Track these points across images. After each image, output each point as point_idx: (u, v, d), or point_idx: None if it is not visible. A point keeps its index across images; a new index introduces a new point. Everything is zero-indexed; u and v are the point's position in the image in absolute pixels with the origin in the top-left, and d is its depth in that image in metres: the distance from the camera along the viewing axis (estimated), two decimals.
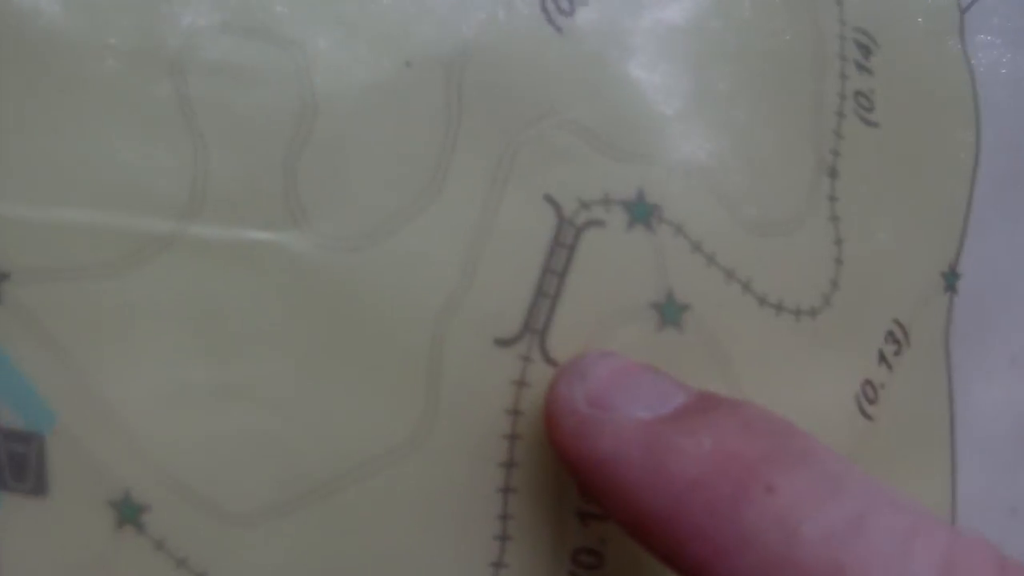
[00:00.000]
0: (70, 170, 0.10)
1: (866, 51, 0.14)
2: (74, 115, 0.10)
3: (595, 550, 0.13)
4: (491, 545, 0.12)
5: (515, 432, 0.12)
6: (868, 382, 0.14)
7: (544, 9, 0.12)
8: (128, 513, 0.11)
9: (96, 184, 0.11)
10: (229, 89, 0.11)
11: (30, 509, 0.11)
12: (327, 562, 0.12)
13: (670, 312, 0.12)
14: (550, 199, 0.12)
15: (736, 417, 0.11)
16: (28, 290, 0.10)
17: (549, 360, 0.12)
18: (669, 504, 0.10)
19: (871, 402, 0.14)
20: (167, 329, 0.11)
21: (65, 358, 0.10)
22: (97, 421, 0.11)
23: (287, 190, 0.11)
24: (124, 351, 0.11)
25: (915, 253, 0.15)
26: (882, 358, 0.14)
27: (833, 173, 0.14)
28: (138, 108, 0.11)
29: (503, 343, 0.12)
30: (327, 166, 0.11)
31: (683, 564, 0.10)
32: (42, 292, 0.10)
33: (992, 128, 0.15)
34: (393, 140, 0.11)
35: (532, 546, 0.12)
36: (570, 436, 0.11)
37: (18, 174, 0.10)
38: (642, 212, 0.12)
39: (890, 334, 0.14)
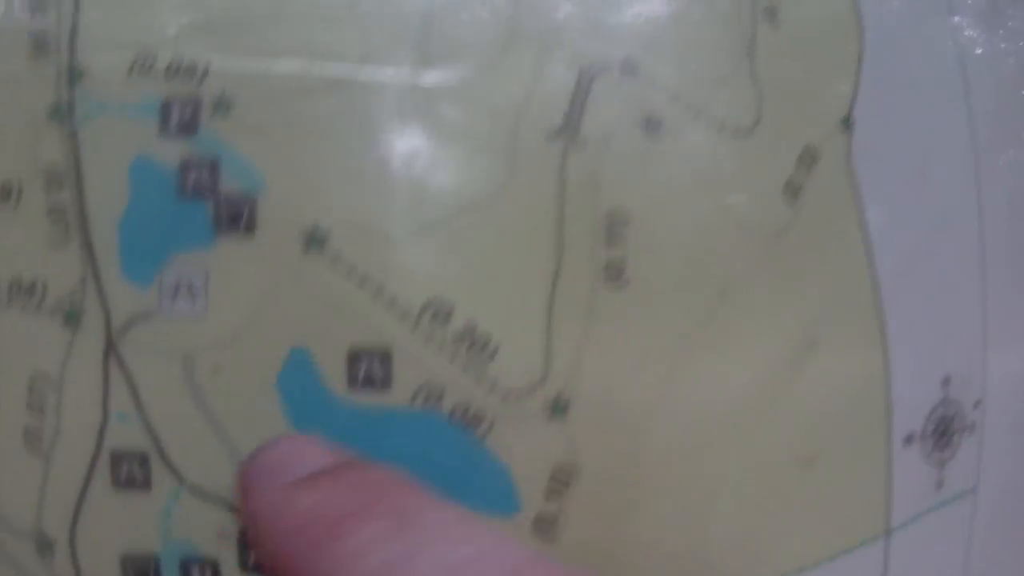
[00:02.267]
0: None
1: None
2: None
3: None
4: None
5: None
6: (789, 182, 0.21)
7: None
8: (314, 239, 0.19)
9: None
10: None
11: (240, 244, 0.18)
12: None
13: None
14: None
15: (348, 480, 0.15)
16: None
17: None
18: (281, 547, 0.14)
19: (795, 195, 0.21)
20: None
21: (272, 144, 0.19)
22: (296, 179, 0.19)
23: None
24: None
25: (818, 100, 0.22)
26: (799, 167, 0.21)
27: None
28: None
29: None
30: None
31: None
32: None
33: None
34: None
35: None
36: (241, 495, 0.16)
37: None
38: None
39: (804, 152, 0.21)
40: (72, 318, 0.19)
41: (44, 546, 0.20)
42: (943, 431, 0.23)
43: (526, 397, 0.19)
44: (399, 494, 0.15)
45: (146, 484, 0.19)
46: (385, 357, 0.19)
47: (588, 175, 0.19)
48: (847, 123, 0.22)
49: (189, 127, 0.18)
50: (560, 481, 0.20)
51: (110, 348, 0.19)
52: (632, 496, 0.20)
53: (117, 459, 0.19)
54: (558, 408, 0.20)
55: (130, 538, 0.20)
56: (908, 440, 0.23)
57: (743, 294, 0.20)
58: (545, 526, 0.20)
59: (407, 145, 0.19)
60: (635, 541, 0.21)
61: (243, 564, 0.20)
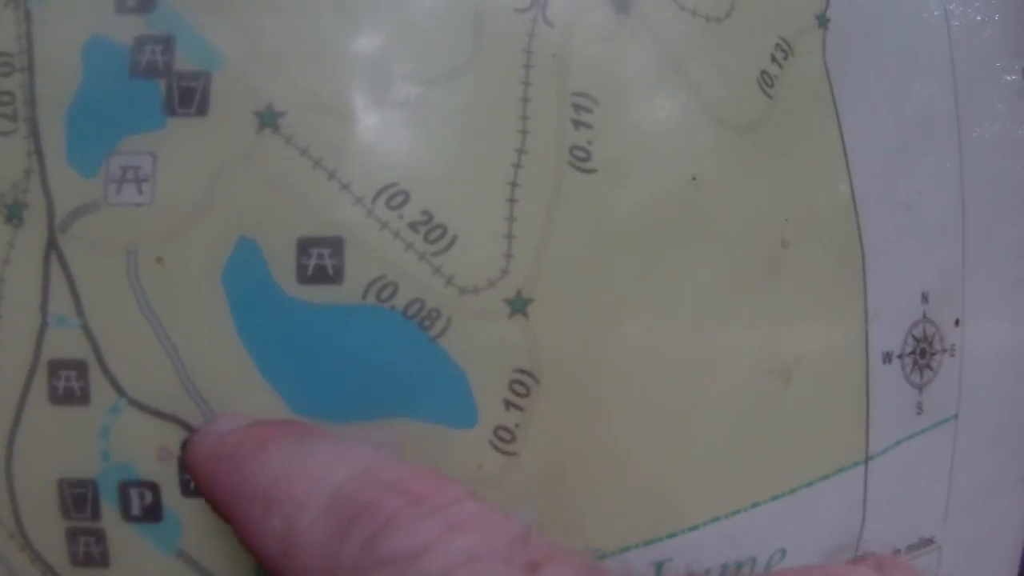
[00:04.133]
0: None
1: None
2: None
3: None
4: None
5: None
6: (764, 73, 0.20)
7: None
8: (268, 118, 0.18)
9: None
10: None
11: (191, 126, 0.17)
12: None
13: None
14: None
15: (265, 422, 0.16)
16: None
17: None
18: (217, 469, 0.16)
19: (769, 86, 0.20)
20: None
21: (232, 20, 0.18)
22: (253, 58, 0.18)
23: None
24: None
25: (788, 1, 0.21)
26: (774, 59, 0.20)
27: None
28: None
29: None
30: None
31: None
32: None
33: None
34: None
35: None
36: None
37: None
38: None
39: (778, 45, 0.20)
40: (15, 213, 0.18)
41: None
42: (922, 351, 0.21)
43: (484, 292, 0.18)
44: (306, 425, 0.17)
45: (84, 398, 0.18)
46: (337, 247, 0.18)
47: (555, 54, 0.18)
48: (822, 20, 0.21)
49: (146, 2, 0.18)
50: (519, 391, 0.18)
51: (51, 244, 0.18)
52: (596, 407, 0.18)
53: (55, 369, 0.18)
54: (518, 305, 0.18)
55: (67, 461, 0.18)
56: (887, 358, 0.21)
57: (715, 187, 0.19)
58: (503, 440, 0.18)
59: (368, 21, 0.18)
60: (600, 457, 0.18)
61: (184, 487, 0.18)
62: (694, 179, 0.19)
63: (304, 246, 0.18)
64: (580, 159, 0.18)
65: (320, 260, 0.18)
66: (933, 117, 0.22)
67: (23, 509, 0.18)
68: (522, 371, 0.18)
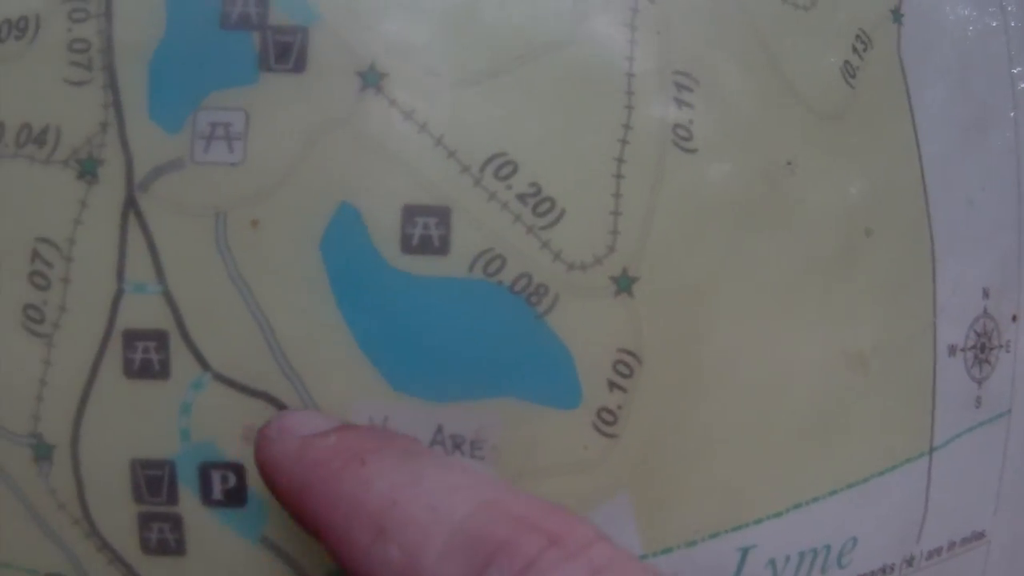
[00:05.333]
0: None
1: None
2: None
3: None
4: None
5: None
6: (847, 63, 0.20)
7: None
8: (371, 79, 0.17)
9: None
10: None
11: (287, 82, 0.16)
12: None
13: None
14: None
15: (358, 430, 0.16)
16: None
17: None
18: (306, 478, 0.15)
19: (852, 76, 0.20)
20: None
21: None
22: (352, 15, 0.17)
23: None
24: None
25: None
26: (855, 50, 0.20)
27: None
28: None
29: None
30: None
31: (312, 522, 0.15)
32: None
33: None
34: None
35: None
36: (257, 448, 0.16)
37: None
38: None
39: (858, 36, 0.20)
40: (88, 170, 0.17)
41: (42, 453, 0.17)
42: (983, 345, 0.22)
43: (592, 268, 0.17)
44: (403, 439, 0.16)
45: (164, 372, 0.17)
46: (443, 217, 0.17)
47: (659, 31, 0.18)
48: (897, 15, 0.21)
49: None
50: (623, 372, 0.17)
51: (129, 204, 0.17)
52: (694, 390, 0.18)
53: (131, 341, 0.17)
54: (624, 283, 0.17)
55: (142, 439, 0.17)
56: (952, 351, 0.21)
57: (806, 172, 0.19)
58: (606, 422, 0.17)
59: None
60: (693, 441, 0.18)
61: None
62: (789, 164, 0.19)
63: (410, 214, 0.17)
64: (682, 138, 0.18)
65: (426, 230, 0.17)
66: (991, 114, 0.22)
67: (90, 493, 0.17)
68: (627, 351, 0.18)
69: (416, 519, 0.13)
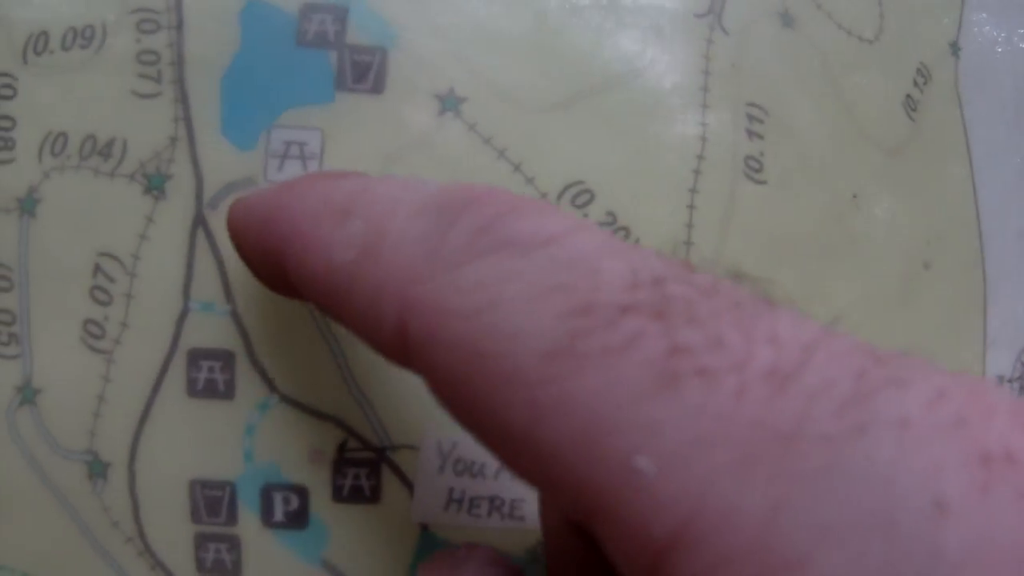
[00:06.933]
0: None
1: None
2: None
3: None
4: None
5: None
6: (909, 96, 0.20)
7: None
8: (450, 103, 0.17)
9: None
10: None
11: (365, 103, 0.16)
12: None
13: None
14: None
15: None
16: None
17: None
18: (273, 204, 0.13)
19: (913, 109, 0.20)
20: None
21: None
22: (431, 37, 0.17)
23: None
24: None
25: (930, 20, 0.21)
26: (916, 83, 0.20)
27: None
28: None
29: None
30: None
31: None
32: None
33: None
34: None
35: None
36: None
37: None
38: None
39: (919, 70, 0.21)
40: (156, 185, 0.16)
41: (96, 470, 0.16)
42: None
43: None
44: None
45: (228, 392, 0.16)
46: None
47: (734, 63, 0.18)
48: (955, 48, 0.21)
49: None
50: None
51: (198, 222, 0.16)
52: None
53: (195, 360, 0.16)
54: None
55: (203, 460, 0.16)
56: (1000, 381, 0.22)
57: (870, 205, 0.19)
58: None
59: (553, 11, 0.17)
60: None
61: (336, 492, 0.17)
62: (855, 197, 0.19)
63: None
64: (754, 169, 0.18)
65: None
66: None
67: (145, 511, 0.17)
68: None
69: (384, 196, 0.12)
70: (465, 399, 0.10)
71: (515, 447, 0.10)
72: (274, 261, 0.13)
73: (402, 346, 0.11)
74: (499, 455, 0.10)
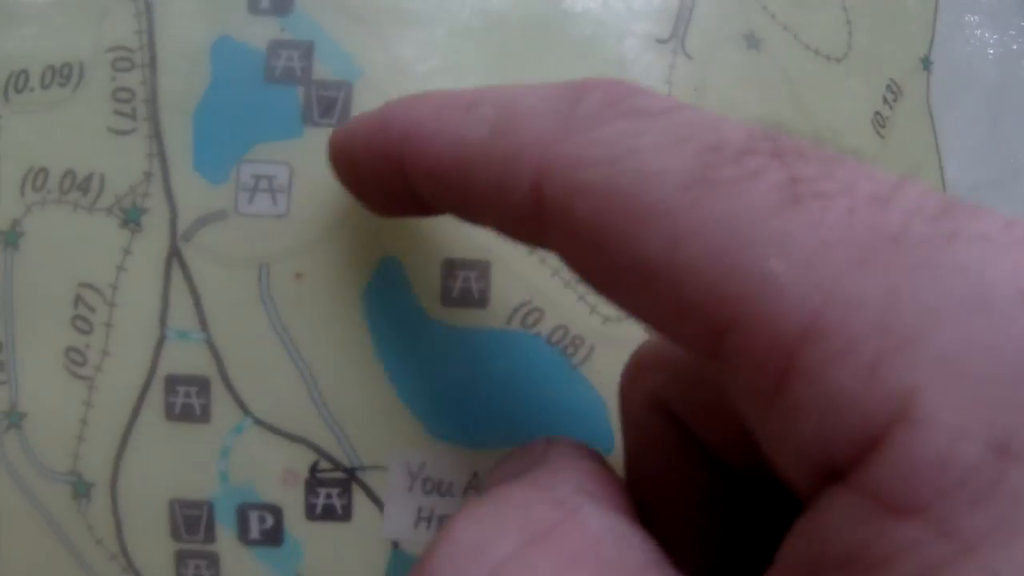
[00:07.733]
0: None
1: None
2: None
3: None
4: None
5: None
6: (877, 113, 0.20)
7: None
8: None
9: None
10: None
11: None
12: None
13: None
14: None
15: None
16: None
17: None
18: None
19: (882, 126, 0.20)
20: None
21: (370, 31, 0.17)
22: (394, 71, 0.17)
23: None
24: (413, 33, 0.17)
25: (900, 36, 0.21)
26: (885, 100, 0.21)
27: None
28: None
29: None
30: None
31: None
32: None
33: None
34: None
35: None
36: None
37: None
38: None
39: (888, 86, 0.21)
40: (133, 218, 0.17)
41: (80, 490, 0.17)
42: None
43: (626, 321, 0.18)
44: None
45: (204, 416, 0.17)
46: (484, 271, 0.17)
47: (693, 85, 0.18)
48: (926, 63, 0.21)
49: (282, 5, 0.17)
50: None
51: (173, 253, 0.17)
52: None
53: (173, 385, 0.17)
54: None
55: (181, 480, 0.17)
56: None
57: None
58: None
59: (513, 41, 0.17)
60: None
61: (309, 511, 0.17)
62: None
63: (451, 268, 0.17)
64: None
65: (466, 283, 0.17)
66: (1022, 162, 0.23)
67: (127, 529, 0.17)
68: None
69: (507, 89, 0.13)
70: (601, 243, 0.11)
71: (652, 277, 0.11)
72: (389, 163, 0.14)
73: (535, 206, 0.12)
74: (627, 297, 0.11)
